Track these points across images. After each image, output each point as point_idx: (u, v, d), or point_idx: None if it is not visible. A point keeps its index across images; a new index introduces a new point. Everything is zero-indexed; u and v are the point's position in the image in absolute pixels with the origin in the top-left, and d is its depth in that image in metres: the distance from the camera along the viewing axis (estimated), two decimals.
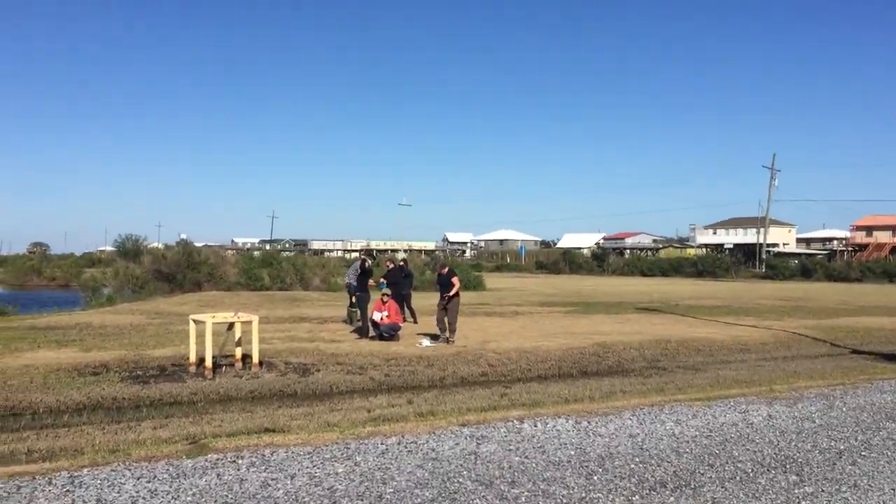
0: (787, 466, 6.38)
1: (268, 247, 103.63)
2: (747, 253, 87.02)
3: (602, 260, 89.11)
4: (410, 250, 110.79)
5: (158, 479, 5.61)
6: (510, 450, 6.69)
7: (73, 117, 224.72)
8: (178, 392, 10.93)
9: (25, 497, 5.21)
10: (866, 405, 9.26)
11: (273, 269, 38.51)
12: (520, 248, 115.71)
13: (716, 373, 13.63)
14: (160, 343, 15.40)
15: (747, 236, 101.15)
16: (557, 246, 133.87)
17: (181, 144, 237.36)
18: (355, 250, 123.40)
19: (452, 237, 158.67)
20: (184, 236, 61.99)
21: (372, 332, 16.30)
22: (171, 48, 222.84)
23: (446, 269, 16.18)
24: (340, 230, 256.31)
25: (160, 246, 57.09)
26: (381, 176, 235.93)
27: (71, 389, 10.73)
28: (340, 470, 5.95)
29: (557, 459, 6.41)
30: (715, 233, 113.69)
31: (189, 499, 5.21)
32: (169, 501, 5.15)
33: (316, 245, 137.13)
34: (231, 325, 13.21)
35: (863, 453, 6.88)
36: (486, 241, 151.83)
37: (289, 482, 5.61)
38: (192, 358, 12.47)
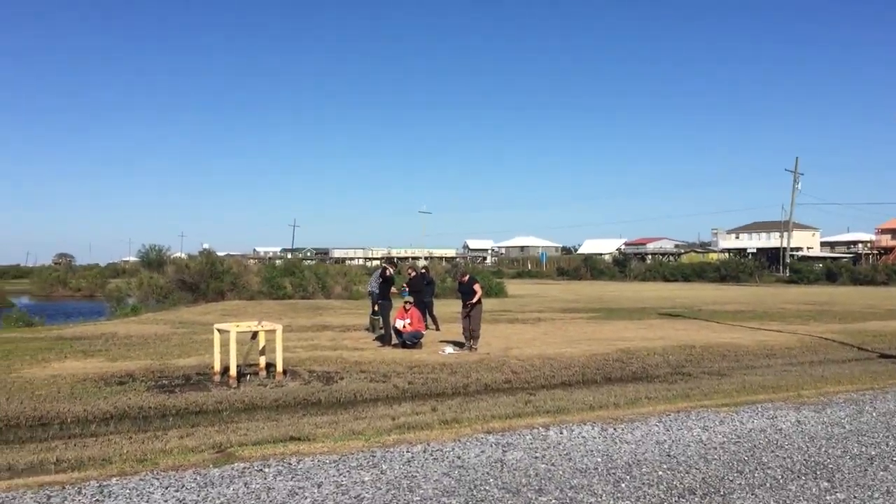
0: (818, 473, 6.30)
1: (289, 255, 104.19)
2: (771, 257, 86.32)
3: (624, 265, 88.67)
4: (431, 258, 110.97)
5: (186, 489, 5.64)
6: (536, 457, 6.66)
7: (96, 129, 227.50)
8: (204, 401, 10.99)
9: None
10: None
11: (295, 278, 38.74)
12: (541, 254, 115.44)
13: (742, 378, 13.50)
14: (185, 352, 15.50)
15: (770, 240, 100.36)
16: (578, 252, 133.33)
17: (202, 155, 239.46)
18: (376, 258, 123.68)
19: (473, 244, 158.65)
20: (206, 246, 62.48)
21: (395, 340, 16.32)
22: (192, 58, 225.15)
23: (467, 277, 16.15)
24: (361, 238, 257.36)
25: (183, 256, 57.58)
26: (402, 184, 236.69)
27: (98, 399, 10.82)
28: (367, 478, 5.95)
29: (584, 466, 6.37)
30: (738, 237, 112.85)
31: None
32: None
33: (337, 253, 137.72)
34: (255, 334, 13.27)
35: (895, 459, 6.77)
36: (506, 247, 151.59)
37: (316, 491, 5.61)
38: (217, 367, 12.54)
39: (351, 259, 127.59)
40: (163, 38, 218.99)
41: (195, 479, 5.90)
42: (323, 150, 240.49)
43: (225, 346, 12.43)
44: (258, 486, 5.73)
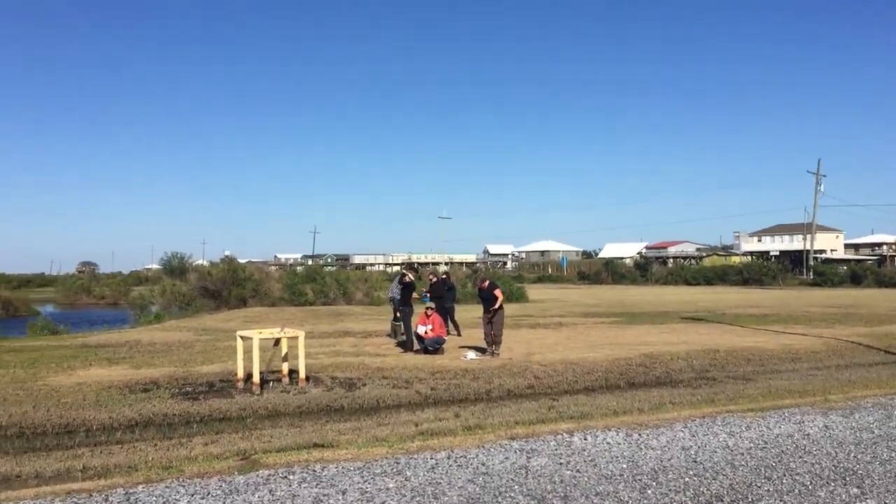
0: (847, 479, 6.21)
1: (310, 262, 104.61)
2: (794, 260, 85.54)
3: (645, 269, 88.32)
4: (452, 263, 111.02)
5: (212, 496, 5.66)
6: (561, 463, 6.62)
7: (118, 138, 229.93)
8: (227, 408, 11.05)
9: None
10: None
11: (316, 285, 38.88)
12: (561, 258, 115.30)
13: (767, 383, 13.36)
14: (208, 359, 15.60)
15: (793, 243, 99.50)
16: (599, 256, 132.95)
17: (223, 162, 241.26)
18: (397, 264, 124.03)
19: (493, 249, 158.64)
20: (228, 253, 62.95)
21: (416, 346, 16.32)
22: (213, 67, 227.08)
23: (487, 283, 16.10)
24: (382, 244, 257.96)
25: (205, 263, 57.95)
26: (421, 189, 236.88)
27: (123, 406, 10.91)
28: (391, 485, 5.94)
29: (610, 473, 6.32)
30: (760, 240, 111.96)
31: None
32: None
33: (358, 259, 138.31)
34: (277, 341, 13.33)
35: None
36: (527, 252, 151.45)
37: (340, 498, 5.61)
38: (240, 374, 12.60)
39: (371, 265, 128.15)
40: (183, 44, 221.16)
41: (220, 486, 5.92)
42: (342, 156, 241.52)
43: (248, 352, 12.49)
44: (283, 493, 5.74)
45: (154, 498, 5.61)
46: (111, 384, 12.54)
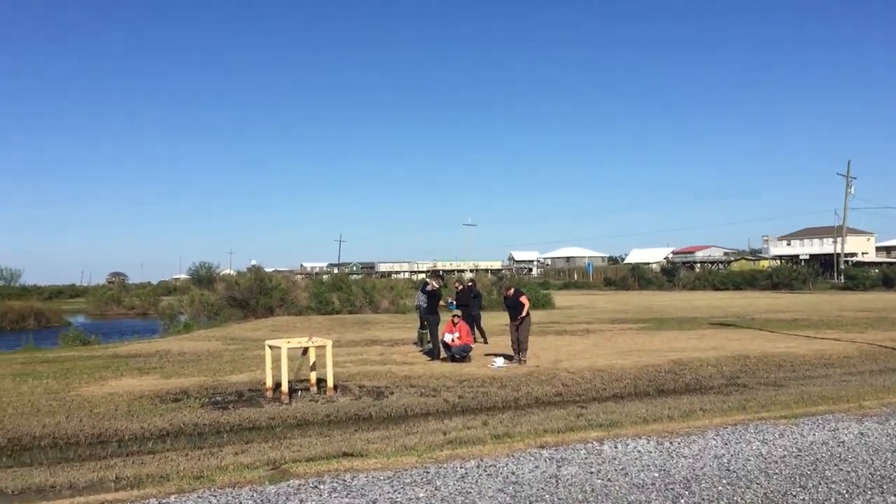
0: (884, 487, 6.10)
1: (336, 270, 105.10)
2: (824, 263, 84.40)
3: (672, 274, 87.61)
4: (477, 270, 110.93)
5: None
6: (591, 472, 6.57)
7: (144, 151, 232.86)
8: (257, 417, 11.10)
9: None
10: None
11: (343, 293, 39.04)
12: (587, 264, 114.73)
13: (799, 389, 13.17)
14: (237, 369, 15.70)
15: (823, 246, 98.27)
16: (625, 261, 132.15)
17: (248, 172, 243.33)
18: (422, 271, 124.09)
19: (518, 256, 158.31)
20: (254, 262, 63.51)
21: (443, 354, 16.31)
22: (236, 77, 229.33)
23: (512, 291, 16.00)
24: (406, 252, 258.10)
25: (232, 272, 58.49)
26: (446, 196, 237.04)
27: (154, 416, 11.00)
28: (421, 495, 5.93)
29: (641, 482, 6.27)
30: (789, 244, 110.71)
31: None
32: None
33: (383, 267, 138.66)
34: (305, 350, 13.38)
35: None
36: (552, 258, 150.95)
37: None
38: (269, 383, 12.67)
39: (396, 273, 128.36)
40: (205, 55, 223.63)
41: (251, 495, 5.95)
42: (366, 164, 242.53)
43: (276, 362, 12.55)
44: (314, 503, 5.75)
45: None
46: (142, 394, 12.67)
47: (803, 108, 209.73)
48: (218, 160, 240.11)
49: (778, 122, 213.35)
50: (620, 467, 6.74)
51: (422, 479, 6.40)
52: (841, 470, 6.63)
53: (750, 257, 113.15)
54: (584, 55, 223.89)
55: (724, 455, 7.18)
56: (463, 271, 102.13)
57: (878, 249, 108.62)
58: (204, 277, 62.47)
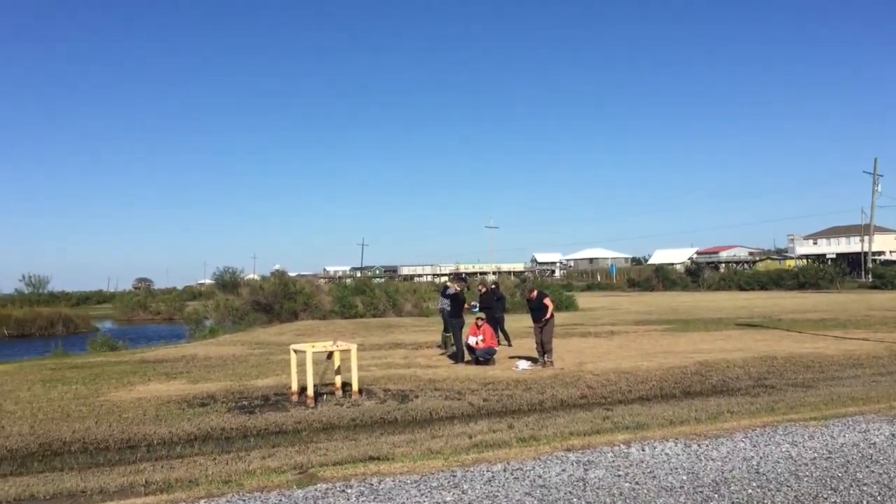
0: None
1: (359, 274, 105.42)
2: (851, 262, 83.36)
3: (696, 275, 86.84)
4: (499, 272, 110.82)
5: None
6: (619, 475, 6.54)
7: (170, 158, 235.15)
8: (283, 421, 11.16)
9: None
10: None
11: (366, 297, 39.15)
12: (610, 266, 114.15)
13: (828, 390, 13.00)
14: (262, 373, 15.80)
15: (850, 245, 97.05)
16: (649, 262, 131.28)
17: (271, 176, 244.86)
18: (444, 274, 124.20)
19: (541, 257, 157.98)
20: (278, 267, 63.86)
21: (467, 357, 16.30)
22: (256, 84, 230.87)
23: (535, 293, 15.96)
24: (429, 255, 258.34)
25: (256, 277, 58.80)
26: (468, 198, 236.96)
27: (182, 421, 11.10)
28: (449, 498, 5.93)
29: (670, 485, 6.22)
30: (815, 242, 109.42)
31: None
32: None
33: (405, 270, 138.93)
34: (330, 354, 13.44)
35: None
36: (575, 260, 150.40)
37: None
38: (294, 387, 12.74)
39: (419, 276, 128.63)
40: (228, 62, 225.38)
41: (280, 500, 5.98)
42: (388, 167, 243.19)
43: (301, 366, 12.62)
44: None
45: None
46: (170, 399, 12.79)
47: (829, 105, 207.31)
48: (240, 165, 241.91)
49: (803, 120, 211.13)
50: (648, 470, 6.70)
51: (448, 482, 6.40)
52: (872, 472, 6.55)
53: (775, 257, 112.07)
54: (606, 55, 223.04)
55: (753, 457, 7.11)
56: (485, 273, 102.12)
57: None
58: (228, 282, 63.01)
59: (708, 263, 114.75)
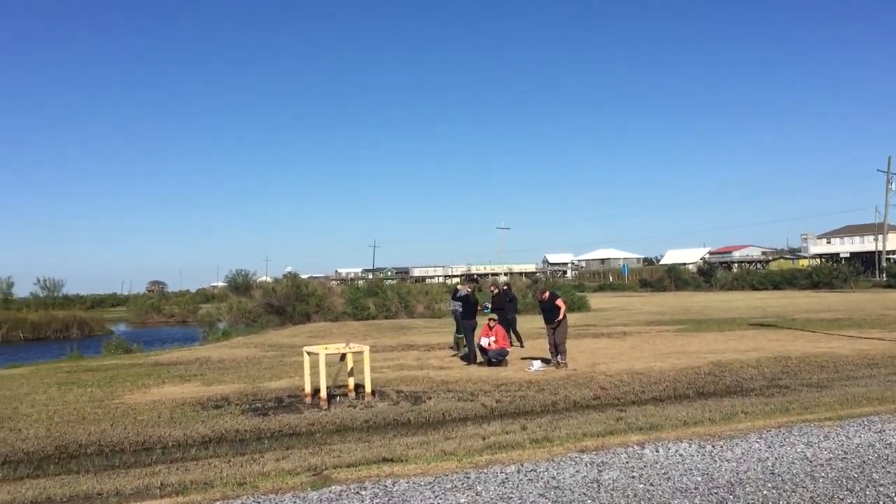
0: None
1: (371, 276, 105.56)
2: (865, 262, 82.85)
3: (709, 275, 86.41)
4: (511, 273, 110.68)
5: None
6: (633, 476, 6.52)
7: (182, 160, 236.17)
8: (297, 423, 11.18)
9: None
10: None
11: (378, 299, 39.22)
12: (622, 266, 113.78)
13: (843, 390, 12.91)
14: (275, 375, 15.86)
15: (864, 244, 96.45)
16: (661, 262, 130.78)
17: (283, 179, 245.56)
18: (456, 276, 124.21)
19: (552, 258, 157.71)
20: (290, 269, 64.00)
21: (480, 358, 16.30)
22: (269, 83, 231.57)
23: (547, 294, 15.94)
24: (440, 256, 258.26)
25: (268, 279, 58.96)
26: (479, 200, 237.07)
27: (196, 423, 11.15)
28: (463, 500, 5.94)
29: (684, 486, 6.21)
30: (829, 242, 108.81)
31: None
32: None
33: (417, 272, 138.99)
34: (343, 356, 13.47)
35: None
36: (586, 260, 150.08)
37: None
38: (307, 389, 12.77)
39: (431, 277, 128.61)
40: (240, 64, 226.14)
41: (294, 502, 6.01)
42: (399, 169, 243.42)
43: (314, 368, 12.66)
44: None
45: None
46: (184, 401, 12.86)
47: (842, 104, 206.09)
48: (252, 168, 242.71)
49: (815, 119, 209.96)
50: (662, 471, 6.68)
51: (462, 484, 6.41)
52: (889, 472, 6.51)
53: (788, 256, 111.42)
54: (619, 54, 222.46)
55: (768, 458, 7.08)
56: (497, 275, 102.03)
57: None
58: (241, 285, 63.22)
59: (720, 263, 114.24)
